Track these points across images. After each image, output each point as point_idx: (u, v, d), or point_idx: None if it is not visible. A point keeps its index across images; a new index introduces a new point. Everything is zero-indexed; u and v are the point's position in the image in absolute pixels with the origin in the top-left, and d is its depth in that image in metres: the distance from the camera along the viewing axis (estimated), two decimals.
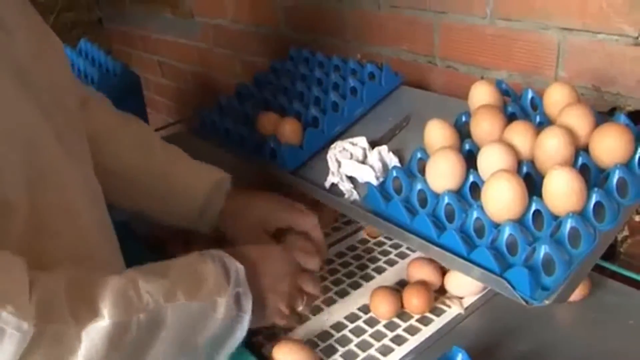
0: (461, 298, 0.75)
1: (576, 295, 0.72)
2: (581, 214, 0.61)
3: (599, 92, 0.84)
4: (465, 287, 0.75)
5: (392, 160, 0.80)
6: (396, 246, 0.89)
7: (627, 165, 0.65)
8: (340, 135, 0.91)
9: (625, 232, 0.87)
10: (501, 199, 0.62)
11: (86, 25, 2.24)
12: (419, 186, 0.70)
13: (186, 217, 0.82)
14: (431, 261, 0.77)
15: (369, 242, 0.91)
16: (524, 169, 0.67)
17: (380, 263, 0.85)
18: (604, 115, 0.75)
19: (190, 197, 0.81)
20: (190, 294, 0.55)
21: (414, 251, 0.86)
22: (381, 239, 0.91)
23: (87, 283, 0.51)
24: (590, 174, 0.66)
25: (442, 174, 0.68)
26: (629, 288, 0.76)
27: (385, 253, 0.88)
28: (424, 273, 0.77)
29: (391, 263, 0.85)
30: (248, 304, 0.59)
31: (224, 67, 1.69)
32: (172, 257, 0.61)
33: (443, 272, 0.77)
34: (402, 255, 0.86)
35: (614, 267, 0.80)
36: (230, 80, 1.64)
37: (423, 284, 0.75)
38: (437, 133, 0.73)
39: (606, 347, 0.67)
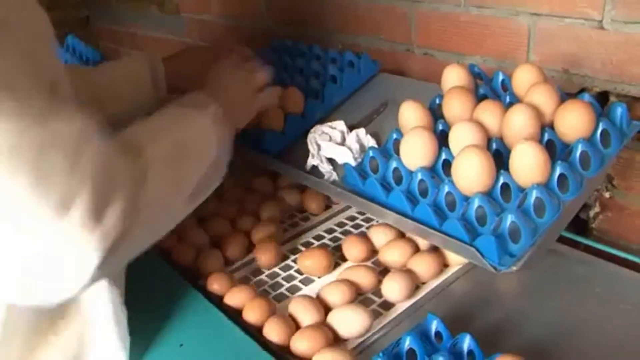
0: (345, 340, 0.70)
1: None
2: (546, 185, 0.65)
3: (568, 75, 0.87)
4: (349, 327, 0.69)
5: (370, 142, 0.83)
6: (289, 279, 0.82)
7: (590, 139, 0.69)
8: (321, 121, 0.94)
9: (597, 209, 0.91)
10: (470, 172, 0.65)
11: (73, 23, 2.25)
12: (394, 164, 0.73)
13: (146, 93, 0.94)
14: (315, 300, 0.73)
15: (262, 273, 0.85)
16: (494, 146, 0.71)
17: (270, 298, 0.78)
18: (571, 97, 0.78)
19: (139, 75, 0.94)
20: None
21: (306, 285, 0.81)
22: (276, 269, 0.85)
23: None
24: (556, 149, 0.70)
25: (416, 151, 0.71)
26: (598, 259, 0.80)
27: (276, 287, 0.81)
28: (308, 313, 0.71)
29: (279, 298, 0.79)
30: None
31: None
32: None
33: (326, 311, 0.72)
34: (293, 290, 0.80)
35: (586, 241, 0.84)
36: None
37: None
38: (411, 114, 0.76)
39: (575, 313, 0.71)
